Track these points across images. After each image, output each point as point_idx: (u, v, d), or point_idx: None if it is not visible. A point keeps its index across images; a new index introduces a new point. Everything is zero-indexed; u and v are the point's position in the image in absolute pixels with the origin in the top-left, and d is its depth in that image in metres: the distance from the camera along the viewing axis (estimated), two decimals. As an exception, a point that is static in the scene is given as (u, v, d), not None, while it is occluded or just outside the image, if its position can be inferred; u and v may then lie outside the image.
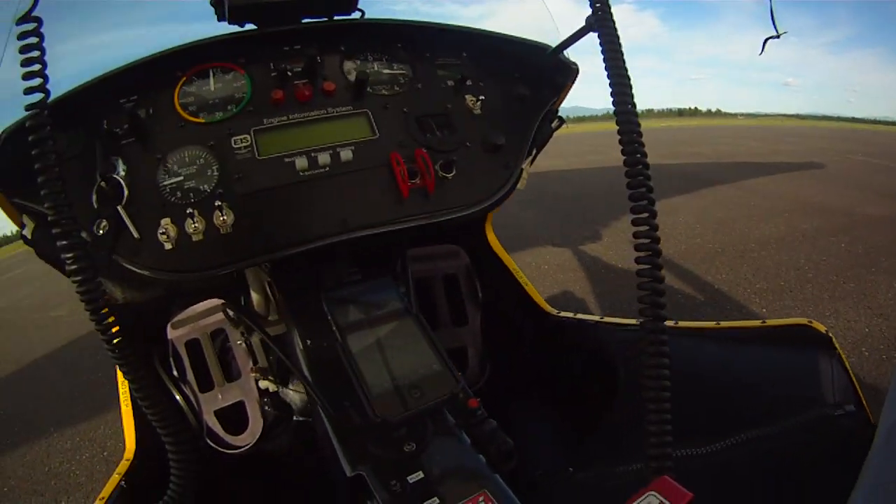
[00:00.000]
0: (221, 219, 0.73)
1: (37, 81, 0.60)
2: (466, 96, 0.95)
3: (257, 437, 1.14)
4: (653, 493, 0.49)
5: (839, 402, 0.85)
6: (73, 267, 0.61)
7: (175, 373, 1.19)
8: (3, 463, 3.18)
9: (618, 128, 0.70)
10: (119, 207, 0.72)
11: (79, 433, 3.27)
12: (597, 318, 1.24)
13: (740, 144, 14.32)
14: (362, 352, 0.76)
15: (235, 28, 0.92)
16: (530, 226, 5.90)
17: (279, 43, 0.90)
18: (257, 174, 0.79)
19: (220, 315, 1.17)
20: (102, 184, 0.71)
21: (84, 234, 0.71)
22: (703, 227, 5.13)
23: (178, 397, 1.19)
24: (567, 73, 0.99)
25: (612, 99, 0.70)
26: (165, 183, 0.77)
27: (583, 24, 0.83)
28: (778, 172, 8.64)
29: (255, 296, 1.10)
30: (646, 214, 0.69)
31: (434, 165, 0.83)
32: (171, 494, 0.62)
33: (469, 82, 0.96)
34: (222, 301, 1.17)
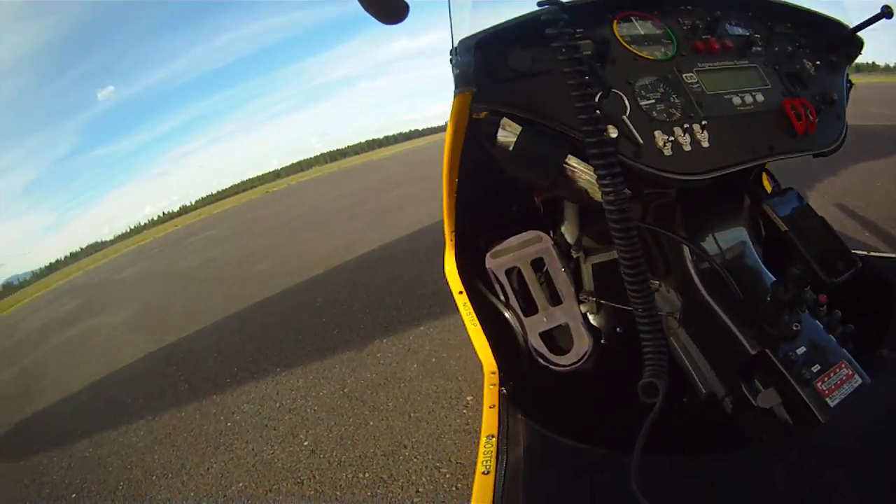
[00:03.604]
0: (702, 134, 0.88)
1: None
2: (804, 60, 1.08)
3: (582, 356, 1.31)
4: None
5: None
6: (601, 162, 0.73)
7: (501, 298, 1.41)
8: (226, 400, 2.97)
9: None
10: (624, 117, 0.86)
11: (311, 372, 2.94)
12: (863, 252, 1.36)
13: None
14: (799, 238, 1.09)
15: None
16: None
17: (676, 3, 1.05)
18: (711, 105, 0.92)
19: (539, 245, 1.40)
20: (600, 95, 0.81)
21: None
22: (904, 193, 4.30)
23: (507, 315, 1.37)
24: (857, 47, 1.15)
25: None
26: (643, 103, 0.89)
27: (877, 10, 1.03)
28: None
29: (568, 227, 1.41)
30: None
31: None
32: (652, 368, 0.73)
33: (802, 49, 1.09)
34: (538, 232, 1.41)
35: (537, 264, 1.41)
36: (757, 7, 1.11)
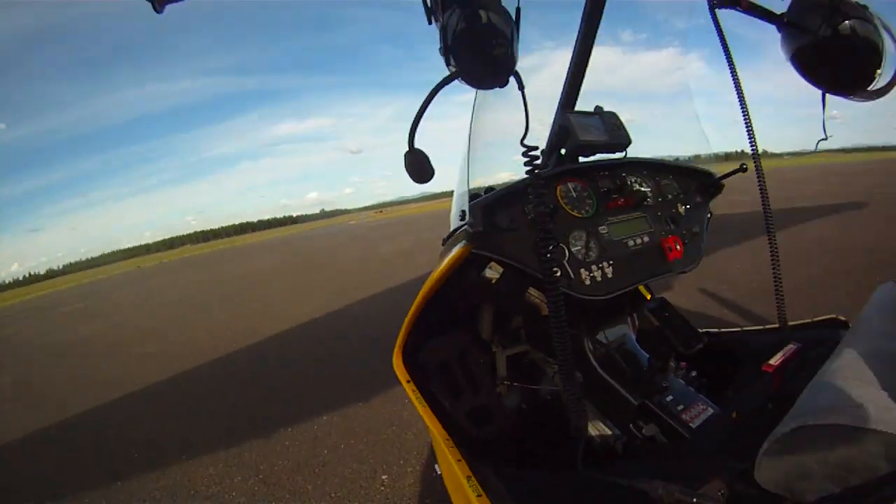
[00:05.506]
0: (608, 269, 1.25)
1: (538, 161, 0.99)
2: (678, 204, 1.50)
3: (501, 429, 1.61)
4: None
5: None
6: (553, 292, 0.98)
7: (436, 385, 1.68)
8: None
9: None
10: (564, 262, 1.21)
11: (220, 460, 2.91)
12: (714, 329, 1.84)
13: (800, 188, 14.94)
14: (667, 329, 1.38)
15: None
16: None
17: (597, 171, 1.43)
18: (615, 248, 1.30)
19: (463, 340, 1.68)
20: (551, 247, 1.04)
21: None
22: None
23: (445, 403, 1.65)
24: (717, 189, 1.60)
25: None
26: (573, 249, 1.25)
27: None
28: (830, 214, 8.90)
29: (484, 326, 1.71)
30: None
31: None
32: (576, 418, 1.04)
33: (679, 195, 1.53)
34: (462, 331, 1.70)
35: (461, 356, 1.70)
36: (649, 166, 1.54)
